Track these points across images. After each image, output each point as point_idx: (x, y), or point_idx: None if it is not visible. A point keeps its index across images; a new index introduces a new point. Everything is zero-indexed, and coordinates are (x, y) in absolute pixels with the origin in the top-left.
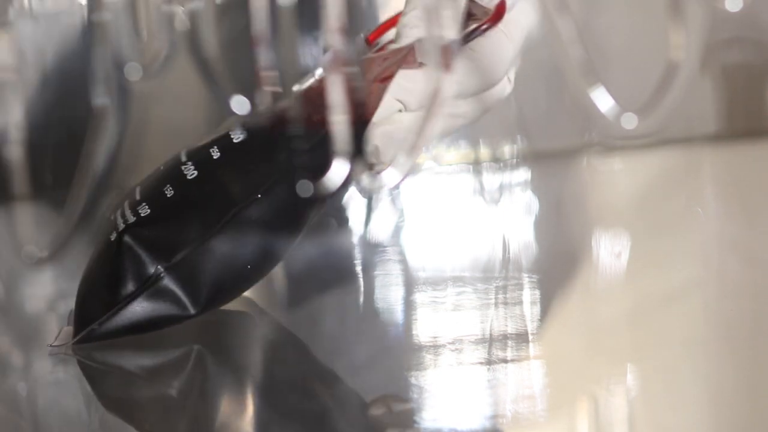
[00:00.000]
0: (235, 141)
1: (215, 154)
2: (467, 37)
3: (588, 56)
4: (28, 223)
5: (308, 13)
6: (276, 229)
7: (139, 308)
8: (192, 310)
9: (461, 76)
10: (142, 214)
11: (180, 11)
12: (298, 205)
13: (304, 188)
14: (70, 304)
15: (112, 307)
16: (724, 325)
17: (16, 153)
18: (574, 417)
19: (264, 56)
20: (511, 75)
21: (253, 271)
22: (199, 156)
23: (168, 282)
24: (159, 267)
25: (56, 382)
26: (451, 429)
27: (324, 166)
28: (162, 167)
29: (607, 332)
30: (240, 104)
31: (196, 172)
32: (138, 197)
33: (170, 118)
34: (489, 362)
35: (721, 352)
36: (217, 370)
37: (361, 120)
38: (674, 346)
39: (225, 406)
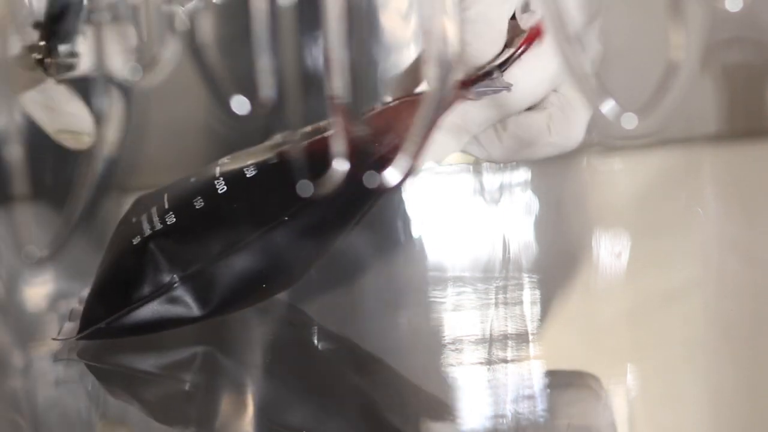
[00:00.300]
0: (270, 162)
1: (249, 172)
2: (503, 65)
3: (588, 56)
4: (28, 223)
5: (308, 14)
6: (298, 253)
7: (148, 312)
8: (197, 314)
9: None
10: (168, 223)
11: (180, 11)
12: (325, 230)
13: (304, 188)
14: (71, 303)
15: (122, 309)
16: (723, 325)
17: (16, 153)
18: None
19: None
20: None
21: (268, 288)
22: (232, 172)
23: (181, 291)
24: (174, 276)
25: (57, 382)
26: (451, 429)
27: (360, 194)
28: (194, 178)
29: (607, 332)
30: (240, 104)
31: (226, 188)
32: (167, 205)
33: (170, 118)
34: (489, 362)
35: (721, 352)
36: (225, 366)
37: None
38: (674, 346)
39: (232, 402)
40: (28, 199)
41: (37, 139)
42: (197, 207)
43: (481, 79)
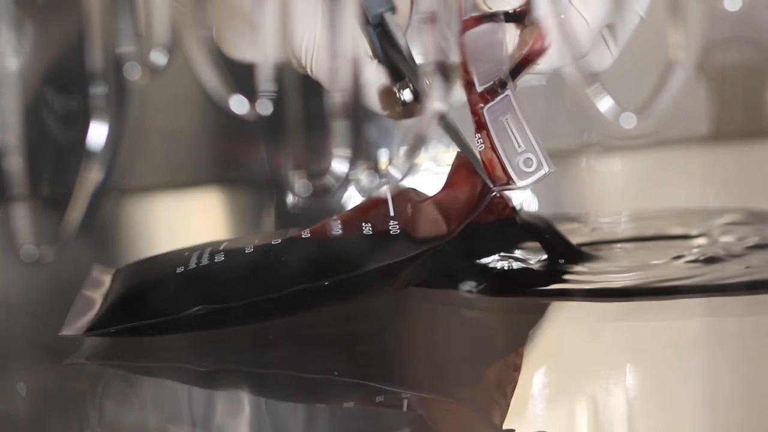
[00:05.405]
0: (332, 232)
1: (305, 234)
2: (516, 72)
3: (587, 56)
4: (28, 223)
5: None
6: (320, 307)
7: (163, 325)
8: (205, 329)
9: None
10: (216, 260)
11: (180, 10)
12: (351, 296)
13: (302, 187)
14: (70, 303)
15: (141, 319)
16: (722, 324)
17: (15, 153)
18: (574, 417)
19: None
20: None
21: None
22: (291, 232)
23: (200, 316)
24: (200, 307)
25: (57, 382)
26: (451, 429)
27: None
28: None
29: (606, 332)
30: (239, 103)
31: (279, 240)
32: (221, 247)
33: (169, 118)
34: (488, 362)
35: (719, 351)
36: (219, 364)
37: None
38: (673, 346)
39: (227, 404)
40: (28, 200)
41: (36, 140)
42: (246, 251)
43: (496, 88)
